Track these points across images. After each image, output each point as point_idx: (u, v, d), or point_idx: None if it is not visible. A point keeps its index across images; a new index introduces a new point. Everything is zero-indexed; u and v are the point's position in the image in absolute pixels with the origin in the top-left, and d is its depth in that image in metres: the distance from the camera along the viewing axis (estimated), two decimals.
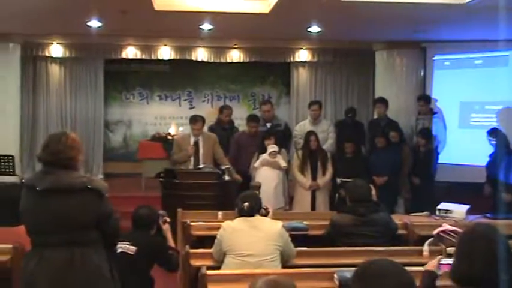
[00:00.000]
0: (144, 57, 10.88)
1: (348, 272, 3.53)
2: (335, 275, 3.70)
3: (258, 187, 6.45)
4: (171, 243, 4.50)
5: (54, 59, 10.87)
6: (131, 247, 4.12)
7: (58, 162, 3.27)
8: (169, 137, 10.01)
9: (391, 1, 6.35)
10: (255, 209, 4.26)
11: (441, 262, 3.02)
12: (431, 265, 3.06)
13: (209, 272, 3.71)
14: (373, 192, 5.03)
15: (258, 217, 4.25)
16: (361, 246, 4.41)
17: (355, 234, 4.64)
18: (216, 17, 7.43)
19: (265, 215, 4.65)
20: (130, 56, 10.87)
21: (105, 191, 3.32)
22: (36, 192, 3.24)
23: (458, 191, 8.08)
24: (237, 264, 4.01)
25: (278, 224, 4.22)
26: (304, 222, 5.19)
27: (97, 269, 3.28)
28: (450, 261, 2.95)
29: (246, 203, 4.21)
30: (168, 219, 4.58)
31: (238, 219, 4.23)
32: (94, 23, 7.98)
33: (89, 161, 11.09)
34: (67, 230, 3.23)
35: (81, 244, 3.25)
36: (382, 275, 2.02)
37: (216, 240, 4.21)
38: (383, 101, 8.76)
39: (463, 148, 8.87)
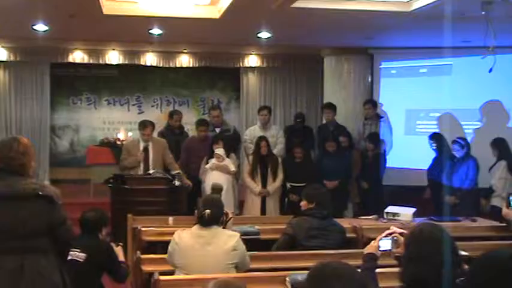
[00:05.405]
0: (92, 61, 10.70)
1: (300, 275, 3.57)
2: (287, 279, 3.74)
3: (220, 189, 6.00)
4: (122, 259, 4.40)
5: None
6: (81, 254, 4.05)
7: (10, 169, 3.22)
8: (118, 142, 9.87)
9: (339, 8, 6.44)
10: (216, 218, 3.93)
11: (380, 243, 3.10)
12: (371, 247, 3.13)
13: (162, 277, 3.69)
14: None
15: (214, 229, 3.88)
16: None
17: (315, 238, 4.64)
18: (165, 21, 7.38)
19: (226, 221, 4.29)
20: (78, 60, 10.68)
21: (56, 197, 3.27)
22: None
23: (404, 194, 8.25)
24: None
25: (233, 239, 3.87)
26: (256, 227, 5.22)
27: (48, 277, 3.22)
28: (389, 241, 3.04)
29: (208, 211, 3.86)
30: (121, 244, 4.52)
31: (192, 231, 3.91)
32: (40, 27, 7.79)
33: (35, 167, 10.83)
34: (18, 237, 3.16)
35: (32, 252, 3.19)
36: (336, 277, 2.06)
37: (169, 250, 3.94)
38: (331, 107, 8.88)
39: (409, 153, 9.05)
